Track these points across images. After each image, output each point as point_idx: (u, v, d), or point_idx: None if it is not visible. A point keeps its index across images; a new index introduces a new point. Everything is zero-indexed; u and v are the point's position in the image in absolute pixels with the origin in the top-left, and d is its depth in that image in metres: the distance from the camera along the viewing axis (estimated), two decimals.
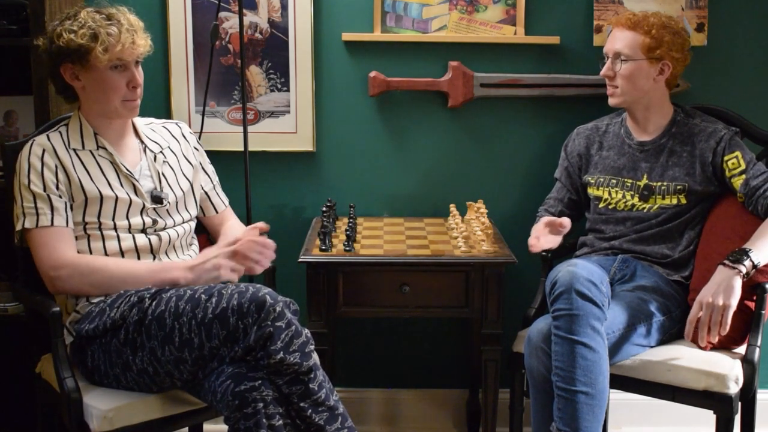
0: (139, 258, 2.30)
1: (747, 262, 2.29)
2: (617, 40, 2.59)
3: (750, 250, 2.32)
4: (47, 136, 2.28)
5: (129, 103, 2.29)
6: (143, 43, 2.28)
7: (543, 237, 2.51)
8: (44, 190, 2.21)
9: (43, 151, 2.24)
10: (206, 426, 2.82)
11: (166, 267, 2.26)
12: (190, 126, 2.88)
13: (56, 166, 2.23)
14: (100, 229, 2.26)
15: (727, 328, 2.28)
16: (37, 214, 2.20)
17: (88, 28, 2.20)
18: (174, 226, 2.38)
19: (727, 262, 2.31)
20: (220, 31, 2.87)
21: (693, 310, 2.32)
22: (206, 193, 2.55)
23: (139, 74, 2.30)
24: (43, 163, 2.22)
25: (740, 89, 2.94)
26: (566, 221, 2.50)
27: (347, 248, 2.51)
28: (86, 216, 2.25)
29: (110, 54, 2.21)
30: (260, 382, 1.99)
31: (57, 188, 2.22)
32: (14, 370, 2.74)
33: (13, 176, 2.29)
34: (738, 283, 2.28)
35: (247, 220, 2.78)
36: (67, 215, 2.23)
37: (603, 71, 2.63)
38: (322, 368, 2.09)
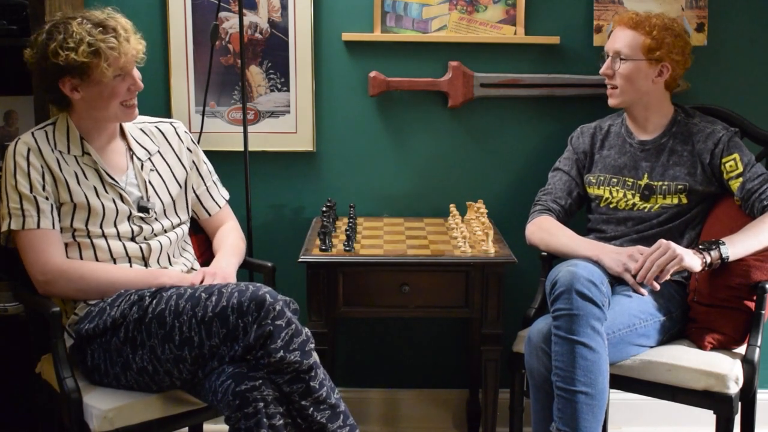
0: (131, 265, 2.29)
1: (714, 253, 2.34)
2: (618, 39, 2.59)
3: (723, 242, 2.36)
4: (32, 134, 2.26)
5: (127, 107, 2.28)
6: (141, 48, 2.28)
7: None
8: (30, 191, 2.20)
9: (29, 150, 2.22)
10: (206, 426, 2.82)
11: (155, 274, 2.26)
12: (189, 126, 2.89)
13: (42, 167, 2.22)
14: (89, 236, 2.25)
15: (667, 276, 2.32)
16: (23, 216, 2.19)
17: (87, 44, 2.16)
18: (164, 230, 2.37)
19: (697, 248, 2.38)
20: (220, 31, 2.87)
21: (650, 249, 2.36)
22: (198, 197, 2.53)
23: (138, 75, 2.29)
24: (29, 164, 2.21)
25: (740, 89, 2.94)
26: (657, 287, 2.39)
27: (347, 248, 2.51)
28: (74, 222, 2.24)
29: (114, 67, 2.20)
30: (261, 381, 1.99)
31: (44, 189, 2.21)
32: (14, 370, 2.74)
33: None
34: (696, 262, 2.33)
35: (247, 221, 2.78)
36: (53, 217, 2.22)
37: (602, 69, 2.63)
38: (323, 367, 2.10)
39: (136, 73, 2.29)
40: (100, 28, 2.20)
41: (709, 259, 2.34)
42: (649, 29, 2.55)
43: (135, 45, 2.25)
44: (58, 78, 2.21)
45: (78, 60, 2.16)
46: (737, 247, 2.37)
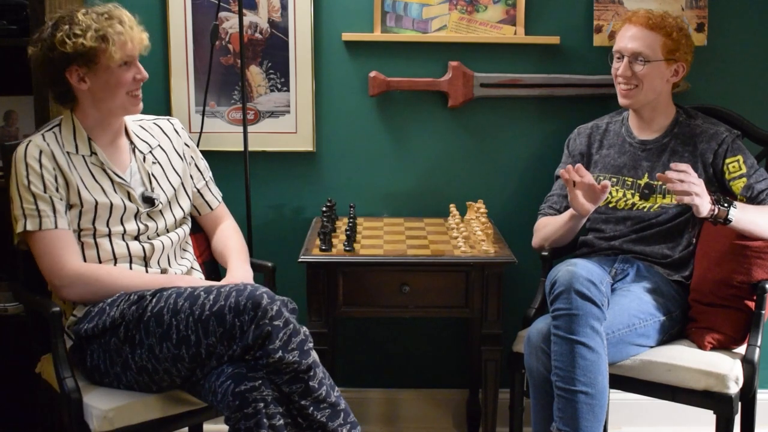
0: (131, 265, 2.29)
1: (723, 210, 2.34)
2: (637, 39, 2.55)
3: (735, 205, 2.37)
4: (42, 136, 2.26)
5: (134, 97, 2.29)
6: (145, 37, 2.30)
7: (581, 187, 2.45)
8: (45, 192, 2.19)
9: (40, 152, 2.22)
10: (206, 426, 2.82)
11: (172, 279, 2.26)
12: (189, 126, 2.90)
13: (54, 169, 2.22)
14: (94, 236, 2.25)
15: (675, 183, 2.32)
16: (40, 217, 2.19)
17: (95, 30, 2.18)
18: (166, 228, 2.37)
19: (714, 196, 2.38)
20: (220, 31, 2.87)
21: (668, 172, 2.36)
22: (199, 191, 2.54)
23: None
24: (41, 165, 2.21)
25: (740, 89, 2.94)
26: (606, 183, 2.43)
27: (347, 248, 2.51)
28: (81, 222, 2.24)
29: (122, 52, 2.22)
30: (260, 382, 1.99)
31: (57, 191, 2.21)
32: (14, 370, 2.74)
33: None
34: (706, 208, 2.32)
35: (247, 220, 2.78)
36: (68, 218, 2.22)
37: (620, 71, 2.57)
38: (322, 365, 2.10)
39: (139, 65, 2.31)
40: (106, 16, 2.23)
41: (716, 211, 2.35)
42: (669, 30, 2.54)
43: (139, 34, 2.28)
44: (65, 68, 2.21)
45: (86, 45, 2.17)
46: (746, 214, 2.38)
